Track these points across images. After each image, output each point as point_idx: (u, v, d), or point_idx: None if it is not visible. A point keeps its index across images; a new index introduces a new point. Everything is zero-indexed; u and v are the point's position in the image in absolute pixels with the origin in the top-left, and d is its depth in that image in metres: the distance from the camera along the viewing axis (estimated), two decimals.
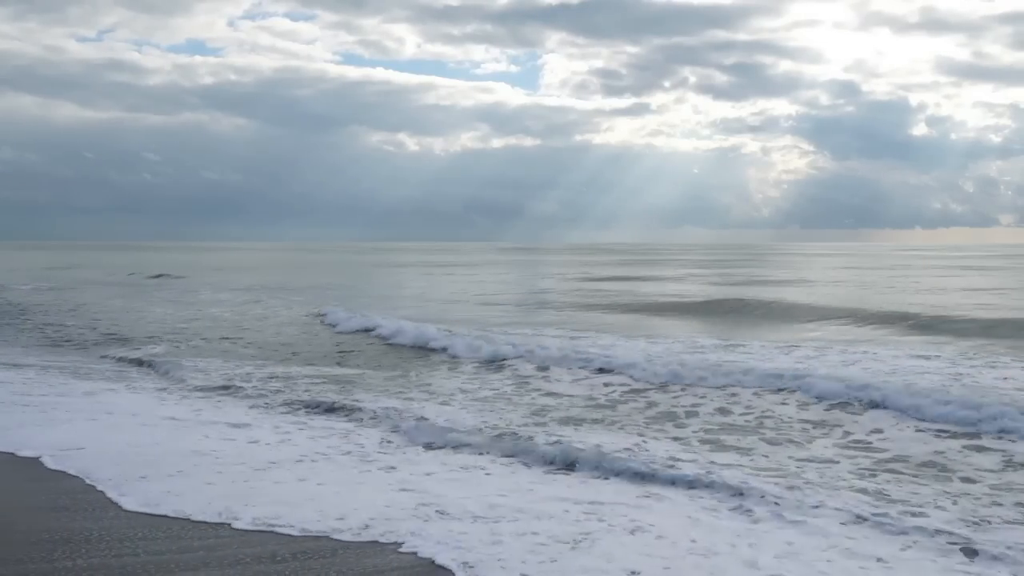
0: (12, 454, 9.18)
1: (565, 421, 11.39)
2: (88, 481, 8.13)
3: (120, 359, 17.94)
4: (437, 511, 7.22)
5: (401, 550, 6.35)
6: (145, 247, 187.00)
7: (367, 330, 22.37)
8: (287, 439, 10.13)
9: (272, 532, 6.70)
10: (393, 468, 8.82)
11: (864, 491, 7.96)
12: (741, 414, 11.88)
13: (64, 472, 8.46)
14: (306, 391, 13.56)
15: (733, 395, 12.93)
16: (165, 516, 7.08)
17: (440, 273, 62.82)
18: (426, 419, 11.05)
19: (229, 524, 6.89)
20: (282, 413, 12.00)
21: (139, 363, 17.31)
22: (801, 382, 13.19)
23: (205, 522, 6.95)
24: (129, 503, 7.44)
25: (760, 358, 16.24)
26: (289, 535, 6.63)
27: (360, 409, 11.94)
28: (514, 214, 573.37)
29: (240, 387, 13.98)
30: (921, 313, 24.83)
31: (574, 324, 24.30)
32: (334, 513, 7.11)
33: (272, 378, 14.93)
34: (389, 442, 10.12)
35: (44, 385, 13.99)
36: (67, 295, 37.74)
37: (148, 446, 9.57)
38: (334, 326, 23.81)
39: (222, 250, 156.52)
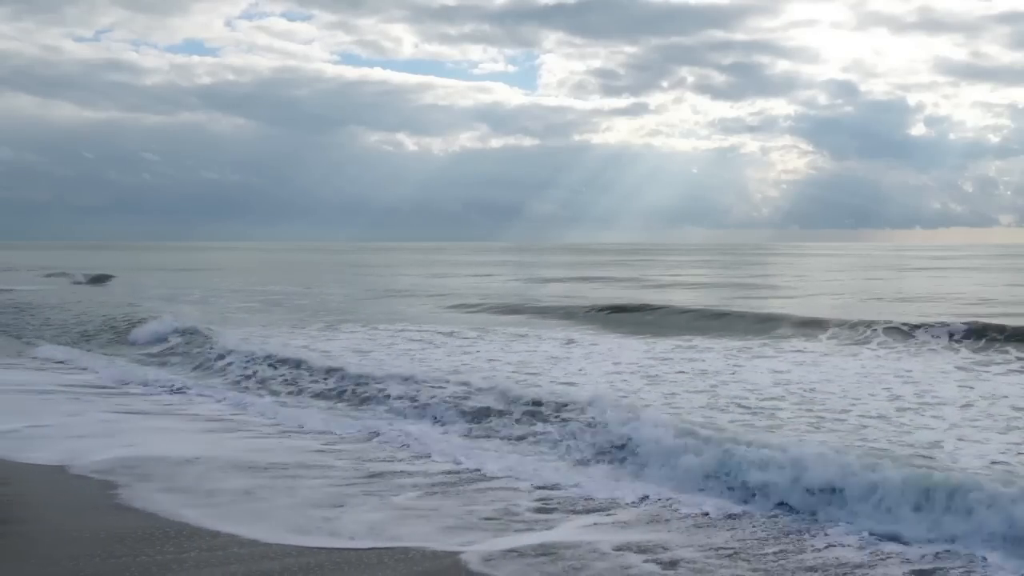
0: None
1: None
2: None
3: None
4: None
5: None
6: (135, 247, 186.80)
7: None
8: None
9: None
10: None
11: None
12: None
13: None
14: None
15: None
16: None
17: (389, 273, 64.68)
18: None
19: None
20: None
21: None
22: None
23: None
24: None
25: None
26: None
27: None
28: (514, 214, 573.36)
29: None
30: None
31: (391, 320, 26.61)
32: None
33: None
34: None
35: None
36: None
37: None
38: (127, 333, 24.19)
39: (212, 250, 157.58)
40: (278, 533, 7.76)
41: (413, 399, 13.62)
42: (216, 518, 8.14)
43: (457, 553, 7.31)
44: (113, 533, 7.67)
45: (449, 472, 9.94)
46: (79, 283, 52.80)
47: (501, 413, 12.42)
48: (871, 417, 11.66)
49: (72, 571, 6.80)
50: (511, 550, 7.36)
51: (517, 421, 12.05)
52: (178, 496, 8.82)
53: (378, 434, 11.77)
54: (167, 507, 8.44)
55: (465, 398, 13.29)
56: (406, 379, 14.70)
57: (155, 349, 21.38)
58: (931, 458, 9.34)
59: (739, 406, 12.57)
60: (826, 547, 7.44)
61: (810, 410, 12.25)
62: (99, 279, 54.61)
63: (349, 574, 6.90)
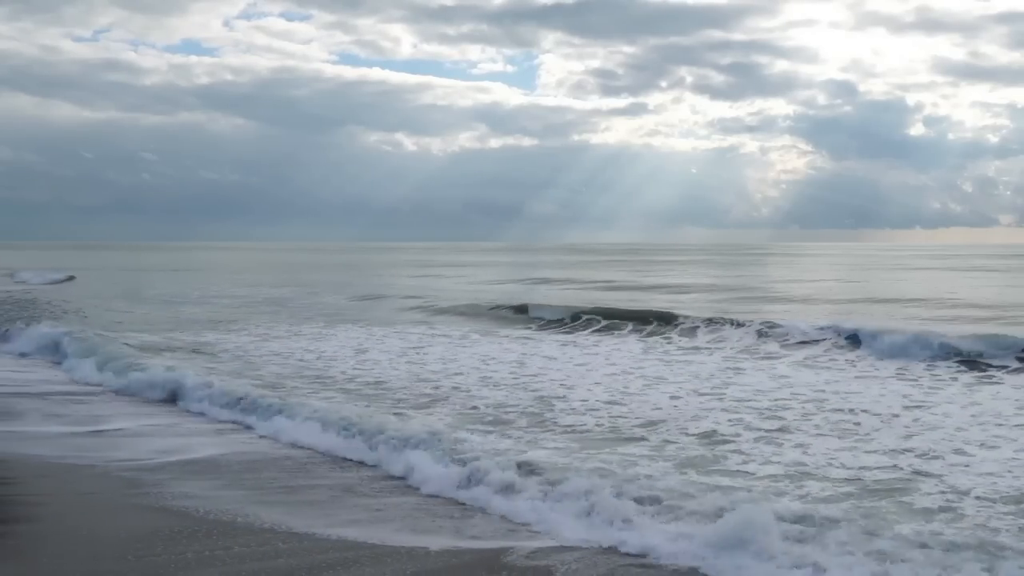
0: None
1: None
2: None
3: None
4: None
5: None
6: (134, 247, 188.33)
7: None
8: None
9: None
10: None
11: None
12: None
13: None
14: None
15: None
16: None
17: (373, 274, 63.99)
18: None
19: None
20: None
21: None
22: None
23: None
24: None
25: None
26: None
27: None
28: (513, 214, 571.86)
29: None
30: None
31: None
32: None
33: None
34: None
35: None
36: None
37: None
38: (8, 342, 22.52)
39: (210, 250, 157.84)
40: (320, 526, 7.99)
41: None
42: (272, 514, 8.36)
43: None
44: (162, 527, 7.90)
45: None
46: (32, 284, 50.87)
47: None
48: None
49: (127, 562, 6.99)
50: None
51: None
52: (246, 493, 9.14)
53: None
54: (233, 505, 8.68)
55: None
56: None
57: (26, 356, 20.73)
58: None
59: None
60: None
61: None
62: (59, 281, 52.73)
63: (390, 566, 7.07)
